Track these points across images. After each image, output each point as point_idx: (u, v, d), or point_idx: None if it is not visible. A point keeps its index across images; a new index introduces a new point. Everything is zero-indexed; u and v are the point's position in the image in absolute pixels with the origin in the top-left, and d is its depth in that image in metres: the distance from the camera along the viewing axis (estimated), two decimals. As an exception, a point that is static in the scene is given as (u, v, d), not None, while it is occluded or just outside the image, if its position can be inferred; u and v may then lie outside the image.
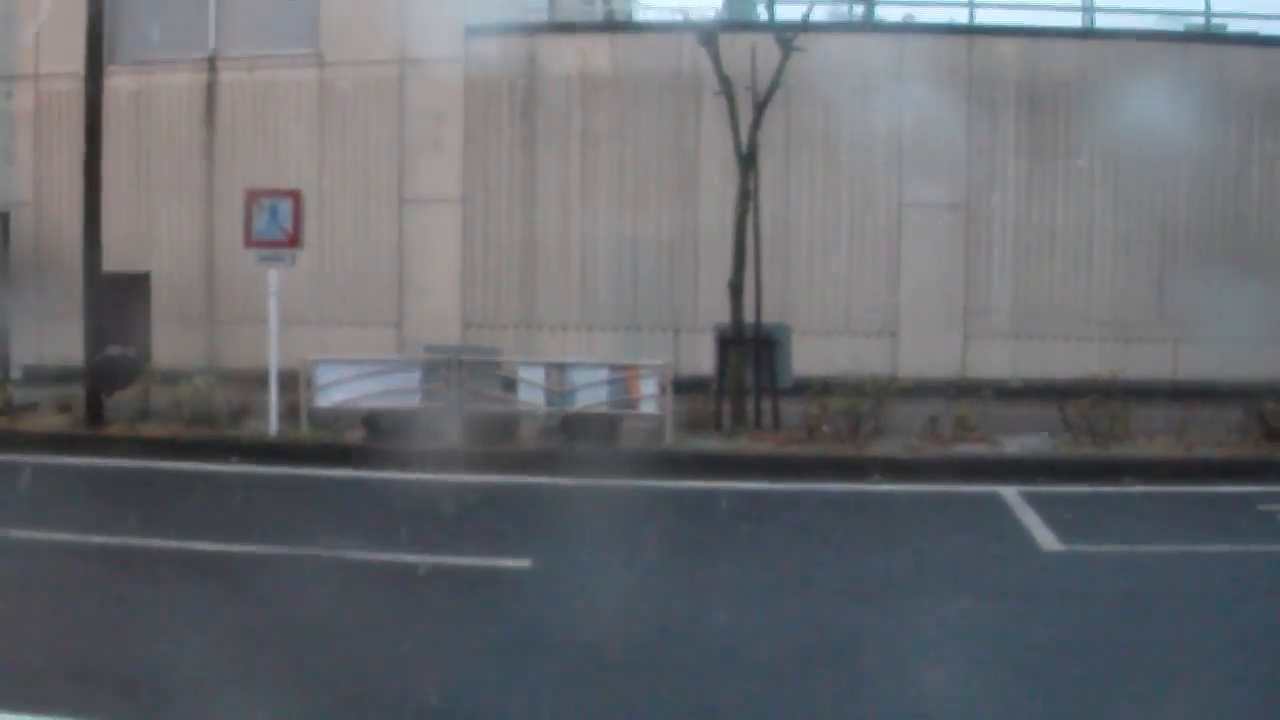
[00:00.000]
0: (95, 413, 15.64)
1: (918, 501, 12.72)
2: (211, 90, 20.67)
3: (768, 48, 16.06)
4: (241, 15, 20.75)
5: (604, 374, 15.06)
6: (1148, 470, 13.45)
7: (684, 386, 15.58)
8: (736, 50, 16.13)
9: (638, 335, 19.11)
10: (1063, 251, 19.42)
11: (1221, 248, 19.12)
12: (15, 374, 19.72)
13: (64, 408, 16.23)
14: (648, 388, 14.89)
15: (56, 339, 19.55)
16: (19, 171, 21.14)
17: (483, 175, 20.16)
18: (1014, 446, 14.45)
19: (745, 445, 14.76)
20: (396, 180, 20.21)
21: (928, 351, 19.23)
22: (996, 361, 19.12)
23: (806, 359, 16.85)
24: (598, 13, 25.26)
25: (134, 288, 18.26)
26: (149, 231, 20.48)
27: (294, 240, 15.39)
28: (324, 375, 15.24)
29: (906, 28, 21.11)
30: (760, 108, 15.97)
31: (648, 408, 14.93)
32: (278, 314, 15.39)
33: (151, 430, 15.32)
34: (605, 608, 8.62)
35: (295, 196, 15.51)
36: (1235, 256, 18.98)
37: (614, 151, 19.88)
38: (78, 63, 16.25)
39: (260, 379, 15.49)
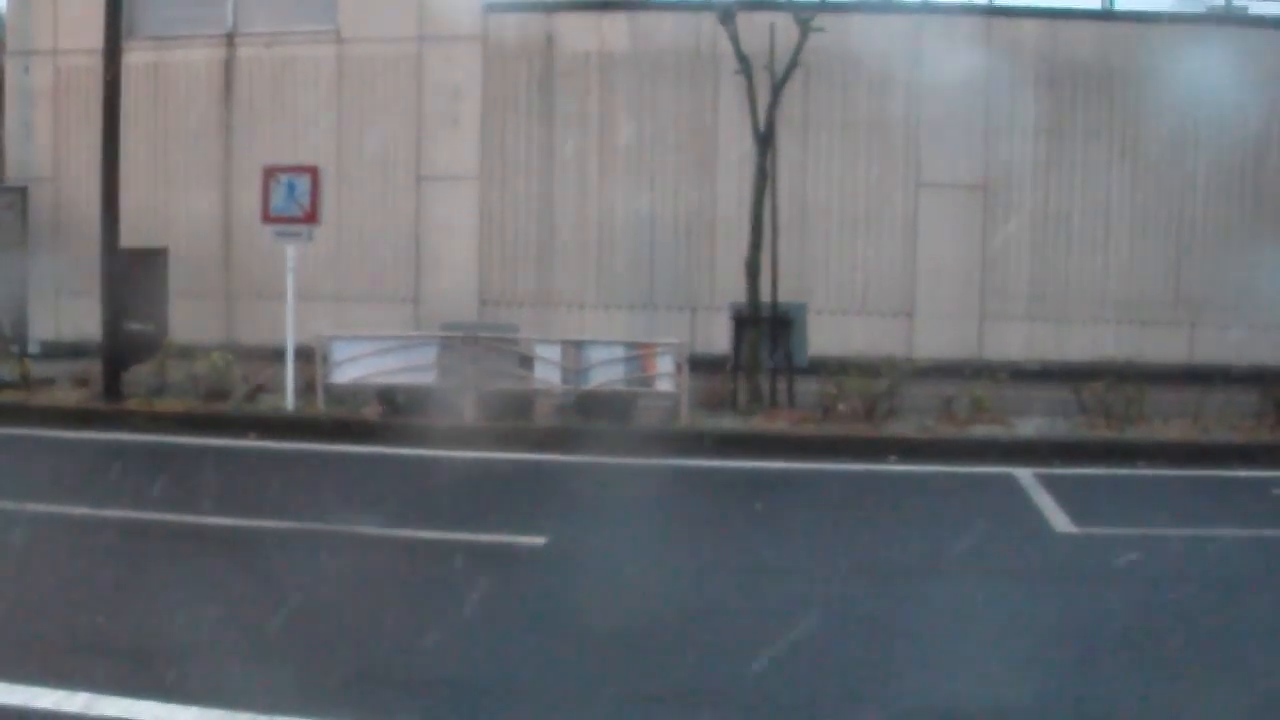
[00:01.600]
0: (113, 387, 15.72)
1: (932, 482, 12.73)
2: (230, 66, 20.70)
3: (786, 27, 16.04)
4: (260, -9, 20.79)
5: (620, 352, 15.07)
6: (1162, 453, 13.45)
7: (700, 365, 15.59)
8: (755, 29, 16.12)
9: (654, 314, 19.13)
10: (1080, 234, 19.37)
11: (1239, 231, 19.07)
12: (33, 348, 19.81)
13: (81, 382, 16.31)
14: (664, 366, 14.90)
15: (74, 314, 19.68)
16: (37, 147, 21.20)
17: (500, 152, 20.16)
18: (1028, 428, 14.44)
19: (760, 424, 14.77)
20: (414, 157, 20.23)
21: (943, 332, 19.23)
22: (1012, 343, 19.11)
23: (822, 339, 16.88)
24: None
25: (151, 263, 18.26)
26: (167, 207, 20.54)
27: (311, 216, 15.41)
28: (340, 351, 15.27)
29: (926, 7, 21.03)
30: (778, 87, 15.95)
31: (663, 386, 14.94)
32: (295, 290, 15.44)
33: (168, 405, 15.38)
34: (618, 585, 8.65)
35: (313, 173, 15.54)
36: (1253, 240, 18.94)
37: (632, 129, 19.88)
38: (96, 38, 16.26)
39: (277, 354, 15.57)
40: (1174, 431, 14.28)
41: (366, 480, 12.70)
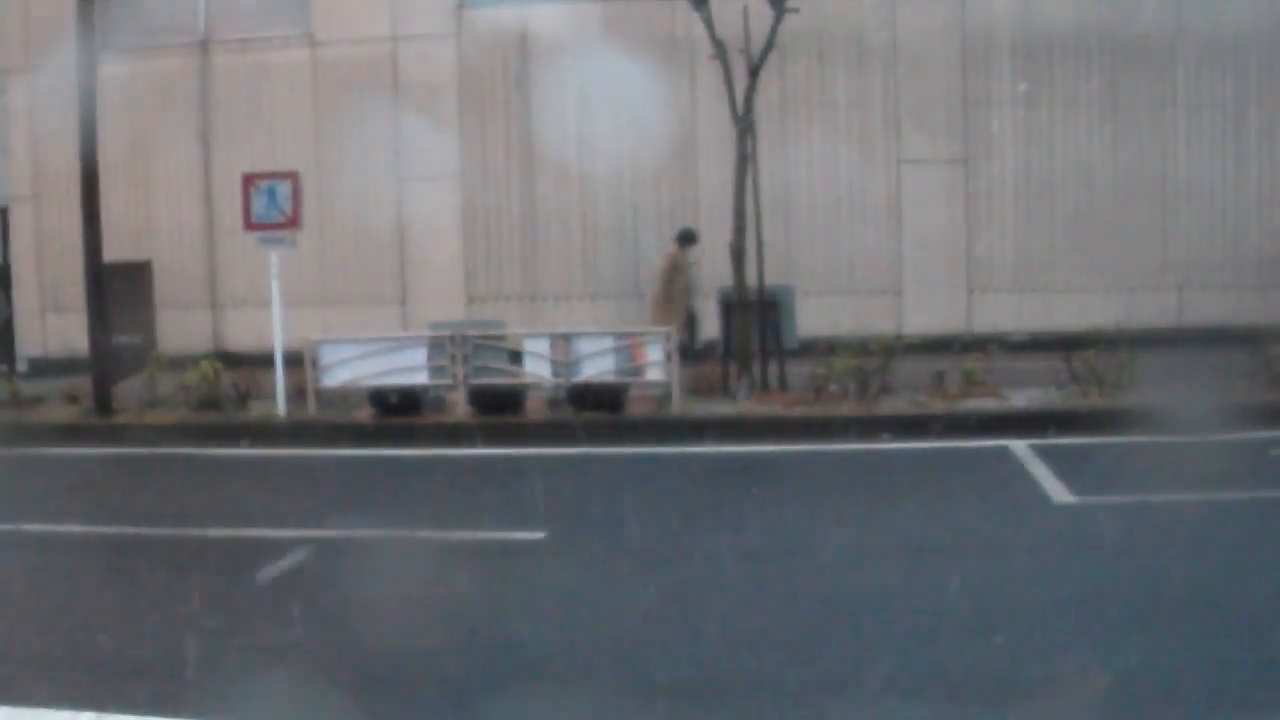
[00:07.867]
0: (103, 402, 15.67)
1: (927, 458, 12.74)
2: (205, 74, 20.61)
3: (760, 9, 15.99)
4: (231, -3, 20.69)
5: (609, 343, 15.04)
6: (1156, 419, 13.42)
7: (690, 352, 15.58)
8: (729, 13, 16.06)
9: (641, 303, 19.10)
10: (1063, 202, 19.35)
11: (1222, 193, 19.08)
12: (21, 366, 19.75)
13: (72, 398, 16.25)
14: (653, 355, 14.87)
15: (61, 330, 19.63)
16: (16, 165, 21.09)
17: (480, 149, 20.11)
18: (1021, 400, 14.44)
19: (753, 409, 14.76)
20: (394, 157, 20.12)
21: (932, 308, 19.22)
22: (1001, 315, 19.11)
23: (811, 320, 16.84)
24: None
25: (136, 275, 18.25)
26: (148, 219, 20.44)
27: (294, 222, 15.37)
28: (329, 355, 15.23)
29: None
30: (755, 70, 15.90)
31: (654, 375, 14.92)
32: (280, 296, 15.40)
33: (160, 417, 15.35)
34: (617, 576, 8.65)
35: (293, 178, 15.48)
36: (1236, 201, 18.97)
37: (610, 119, 19.80)
38: (70, 53, 16.17)
39: (266, 361, 15.52)
40: (1166, 396, 14.25)
41: (361, 483, 12.68)
